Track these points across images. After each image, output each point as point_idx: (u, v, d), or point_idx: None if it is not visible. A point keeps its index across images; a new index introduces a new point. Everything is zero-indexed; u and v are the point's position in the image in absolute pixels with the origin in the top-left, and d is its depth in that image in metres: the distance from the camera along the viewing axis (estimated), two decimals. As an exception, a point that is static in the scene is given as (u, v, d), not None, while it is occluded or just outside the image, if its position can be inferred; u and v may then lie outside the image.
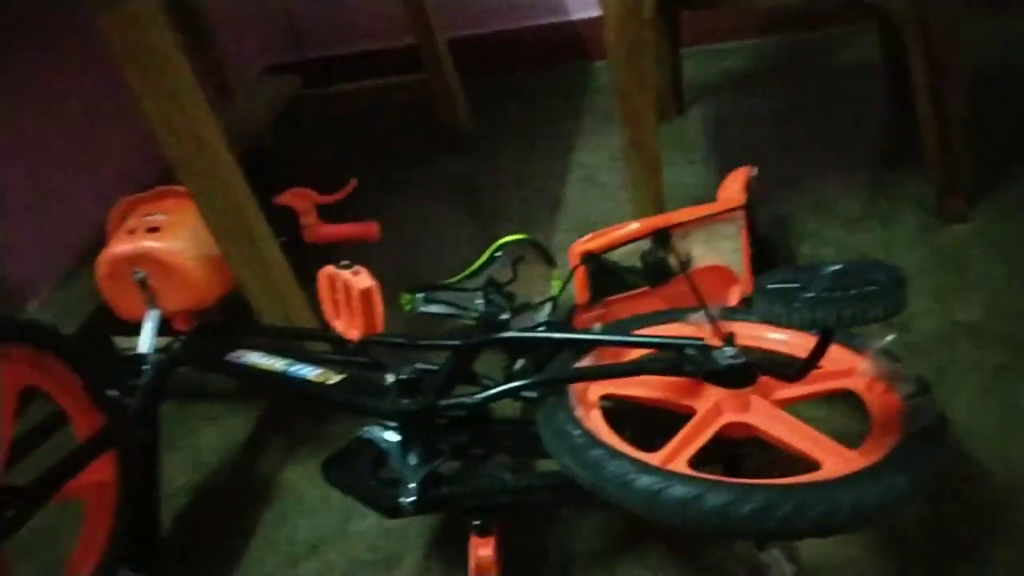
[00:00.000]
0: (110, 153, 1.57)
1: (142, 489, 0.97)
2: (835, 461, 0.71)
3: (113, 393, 0.93)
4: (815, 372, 0.83)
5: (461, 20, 1.97)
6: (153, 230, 1.05)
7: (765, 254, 1.13)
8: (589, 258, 1.05)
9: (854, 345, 0.85)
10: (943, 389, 0.95)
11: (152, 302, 1.05)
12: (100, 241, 1.11)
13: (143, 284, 1.04)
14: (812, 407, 0.95)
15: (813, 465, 0.72)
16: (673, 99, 1.68)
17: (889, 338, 0.83)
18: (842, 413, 0.93)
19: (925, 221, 1.21)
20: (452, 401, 0.85)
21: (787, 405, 0.80)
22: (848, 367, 0.83)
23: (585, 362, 0.91)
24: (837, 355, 0.85)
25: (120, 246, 1.04)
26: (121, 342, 1.15)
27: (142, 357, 0.99)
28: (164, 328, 1.07)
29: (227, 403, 1.24)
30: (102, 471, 0.92)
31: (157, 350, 1.01)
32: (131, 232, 1.06)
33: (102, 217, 1.14)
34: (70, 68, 1.49)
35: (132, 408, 0.93)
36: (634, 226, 1.06)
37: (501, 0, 1.98)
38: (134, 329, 1.07)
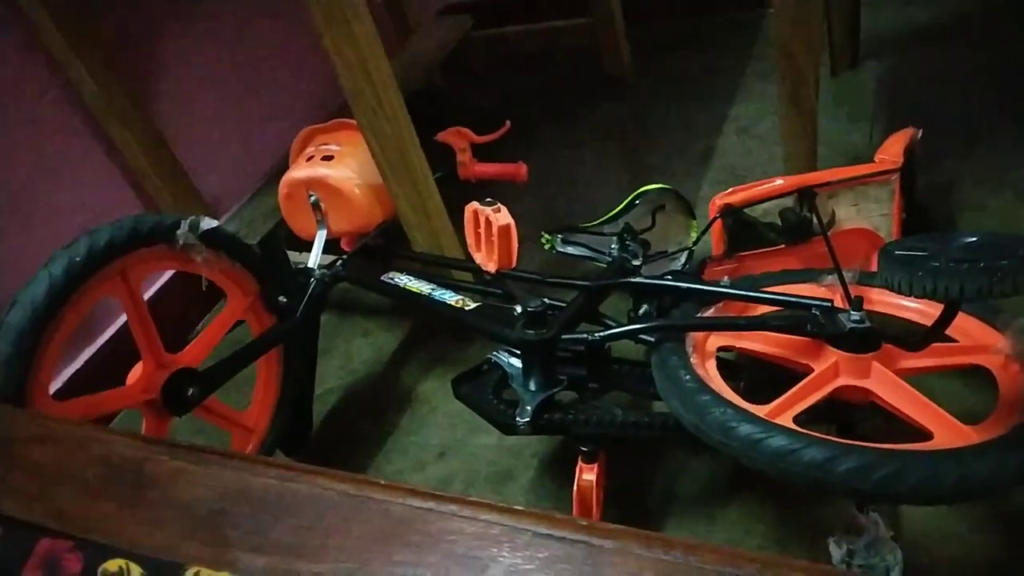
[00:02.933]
0: (300, 86, 1.73)
1: (300, 385, 1.12)
2: (947, 434, 0.71)
3: (283, 300, 1.07)
4: (948, 346, 0.81)
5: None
6: (328, 158, 1.16)
7: (920, 221, 1.08)
8: (729, 211, 1.05)
9: (995, 321, 0.81)
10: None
11: (322, 223, 1.17)
12: (284, 165, 1.25)
13: (316, 206, 1.16)
14: (945, 380, 0.92)
15: (926, 436, 0.72)
16: (848, 50, 1.59)
17: (1039, 317, 0.79)
18: (974, 390, 0.90)
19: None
20: (574, 336, 0.91)
21: (911, 375, 0.79)
22: (985, 343, 0.80)
23: (709, 313, 0.93)
24: (975, 330, 0.82)
25: (298, 171, 1.17)
26: (294, 256, 1.30)
27: (310, 271, 1.11)
28: (331, 247, 1.20)
29: (378, 319, 1.38)
30: (269, 367, 1.08)
31: (323, 266, 1.14)
32: (309, 159, 1.18)
33: (289, 144, 1.28)
34: (263, 8, 1.64)
35: (298, 313, 1.06)
36: (779, 182, 1.05)
37: (676, -57, 1.93)
38: (306, 246, 1.21)
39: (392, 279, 1.11)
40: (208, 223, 0.94)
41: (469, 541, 0.29)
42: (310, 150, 1.21)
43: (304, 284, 1.09)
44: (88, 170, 1.30)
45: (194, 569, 0.33)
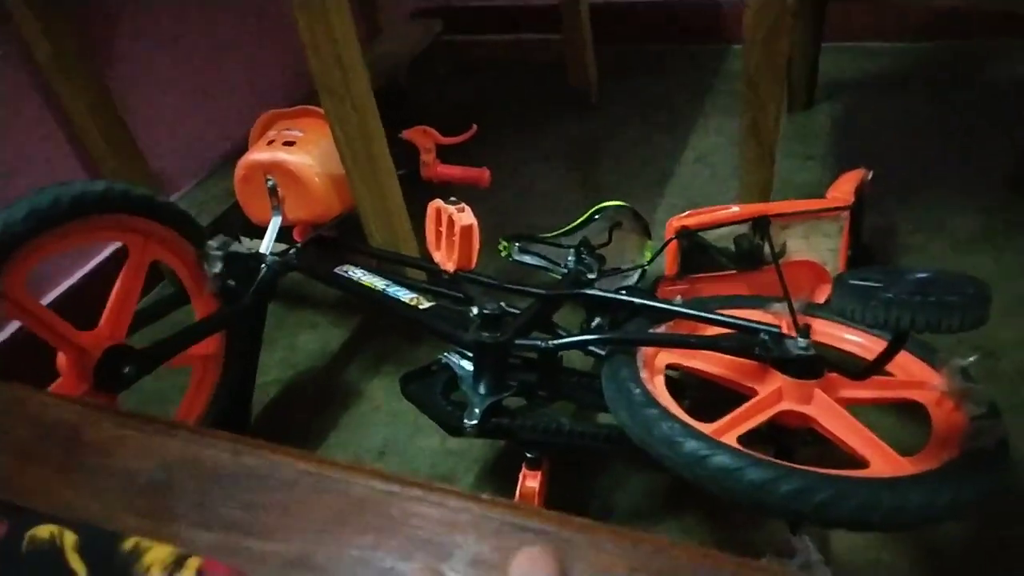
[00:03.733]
0: (264, 69, 1.69)
1: (242, 371, 1.09)
2: (883, 463, 0.73)
3: (232, 283, 1.04)
4: (886, 379, 0.84)
5: (605, -15, 1.97)
6: (289, 144, 1.14)
7: (864, 259, 1.12)
8: (684, 233, 1.07)
9: (931, 360, 0.84)
10: (1019, 421, 0.92)
11: (277, 209, 1.15)
12: (242, 148, 1.22)
13: (272, 191, 1.14)
14: (880, 413, 0.95)
15: (862, 464, 0.74)
16: (804, 91, 1.65)
17: (971, 359, 0.82)
18: (908, 424, 0.93)
19: (1042, 254, 1.16)
20: (527, 342, 0.90)
21: (851, 405, 0.82)
22: (921, 379, 0.83)
23: (660, 331, 0.94)
24: (912, 366, 0.85)
25: (258, 153, 1.15)
26: (247, 242, 1.27)
27: (261, 256, 1.09)
28: (283, 236, 1.17)
29: (326, 313, 1.35)
30: (209, 347, 1.04)
31: (274, 253, 1.11)
32: (270, 143, 1.16)
33: (248, 127, 1.25)
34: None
35: (246, 299, 1.04)
36: (735, 209, 1.08)
37: (649, -30, 1.97)
38: (259, 232, 1.18)
39: (346, 272, 1.09)
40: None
41: (434, 527, 0.28)
42: (271, 134, 1.18)
43: (254, 269, 1.06)
44: (32, 134, 1.25)
45: (133, 540, 0.31)
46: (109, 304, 0.90)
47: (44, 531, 0.33)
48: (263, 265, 1.07)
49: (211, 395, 1.05)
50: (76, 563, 0.31)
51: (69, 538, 0.32)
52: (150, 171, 1.36)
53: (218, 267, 1.00)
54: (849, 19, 1.77)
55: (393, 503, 0.30)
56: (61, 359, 0.87)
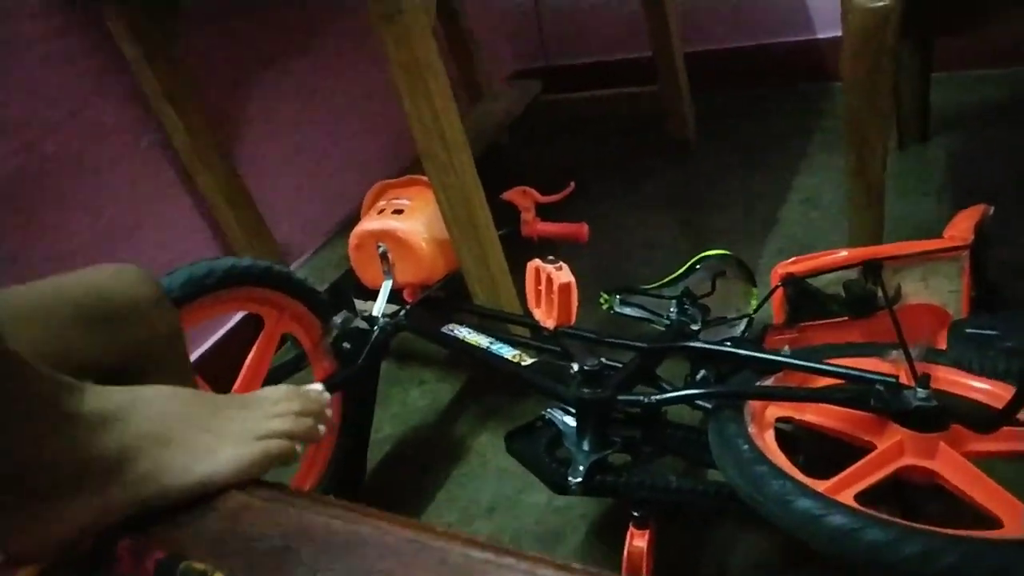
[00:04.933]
0: (375, 140, 1.80)
1: (358, 430, 1.14)
2: (1018, 523, 0.68)
3: (347, 346, 1.10)
4: (1018, 430, 0.78)
5: (701, 35, 1.98)
6: (398, 212, 1.21)
7: (992, 300, 1.06)
8: (791, 280, 1.04)
9: (1071, 409, 0.78)
10: None
11: (388, 273, 1.21)
12: (355, 217, 1.30)
13: (384, 257, 1.20)
14: (1015, 467, 0.88)
15: (994, 523, 0.69)
16: (917, 126, 1.58)
17: (1118, 408, 0.75)
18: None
19: None
20: (630, 397, 0.90)
21: (980, 458, 0.77)
22: (1059, 431, 0.77)
23: (768, 382, 0.92)
24: (1050, 416, 0.79)
25: (370, 223, 1.22)
26: (360, 304, 1.34)
27: (374, 319, 1.14)
28: (394, 298, 1.23)
29: (435, 371, 1.40)
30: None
31: (386, 315, 1.17)
32: (380, 212, 1.23)
33: (361, 197, 1.33)
34: (344, 67, 1.73)
35: (360, 361, 1.09)
36: (843, 254, 1.04)
37: (744, 15, 1.97)
38: (371, 295, 1.25)
39: (452, 331, 1.14)
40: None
41: (526, 595, 0.30)
42: (381, 203, 1.25)
43: (367, 332, 1.12)
44: (172, 212, 1.38)
45: None
46: (244, 371, 0.97)
47: (199, 565, 0.36)
48: (375, 327, 1.12)
49: (328, 458, 1.10)
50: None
51: (218, 576, 0.35)
52: (275, 243, 1.47)
53: (335, 334, 1.06)
54: (958, 48, 1.69)
55: (488, 571, 0.31)
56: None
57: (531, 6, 2.22)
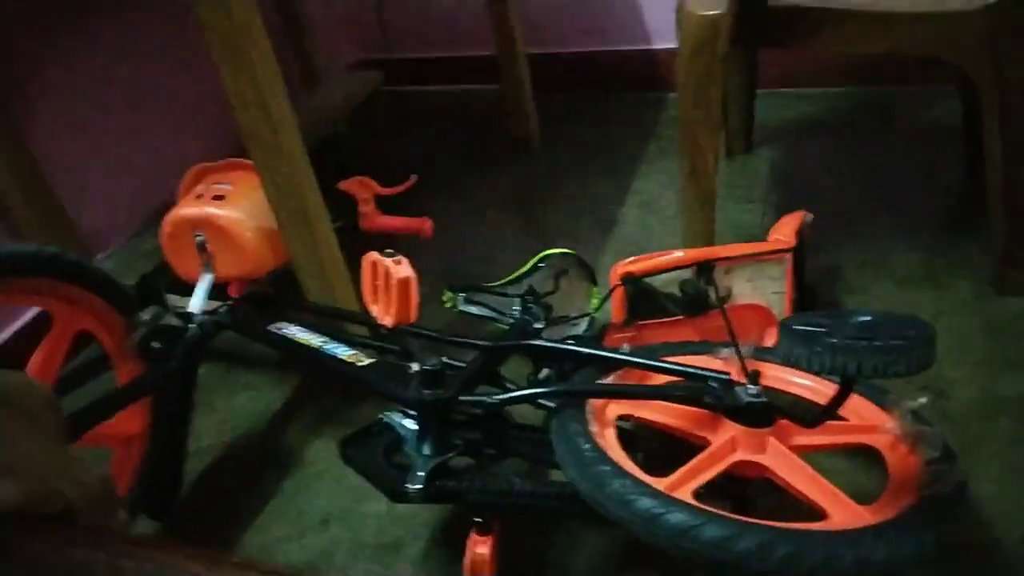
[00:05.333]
0: (193, 122, 1.65)
1: (170, 442, 1.02)
2: (842, 514, 0.70)
3: (157, 345, 0.98)
4: (839, 424, 0.82)
5: (543, 37, 2.00)
6: (218, 198, 1.10)
7: (808, 301, 1.12)
8: (629, 280, 1.05)
9: (884, 402, 0.83)
10: (972, 461, 0.92)
11: (208, 266, 1.10)
12: (171, 204, 1.17)
13: (202, 247, 1.09)
14: (834, 459, 0.93)
15: (820, 515, 0.72)
16: (742, 137, 1.67)
17: (921, 400, 0.81)
18: (864, 469, 0.92)
19: (980, 290, 1.18)
20: (471, 398, 0.87)
21: (804, 452, 0.80)
22: (873, 423, 0.82)
23: (609, 380, 0.92)
24: (864, 410, 0.83)
25: (186, 209, 1.10)
26: (177, 300, 1.21)
27: (190, 316, 1.03)
28: (216, 293, 1.12)
29: (267, 374, 1.29)
30: (133, 424, 0.97)
31: (205, 312, 1.05)
32: (198, 197, 1.11)
33: (177, 182, 1.20)
34: (159, 37, 1.57)
35: (173, 362, 0.98)
36: (678, 254, 1.07)
37: (586, 22, 2.00)
38: (188, 289, 1.13)
39: (280, 329, 1.04)
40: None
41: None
42: (200, 188, 1.14)
43: (181, 329, 1.00)
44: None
45: None
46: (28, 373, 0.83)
47: None
48: (191, 326, 1.01)
49: (134, 472, 0.98)
50: None
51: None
52: (75, 230, 1.30)
53: (142, 332, 0.94)
54: (782, 65, 1.82)
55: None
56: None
57: (373, -6, 2.14)
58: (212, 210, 1.08)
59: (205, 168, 1.17)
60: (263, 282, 1.15)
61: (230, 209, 1.08)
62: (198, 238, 1.08)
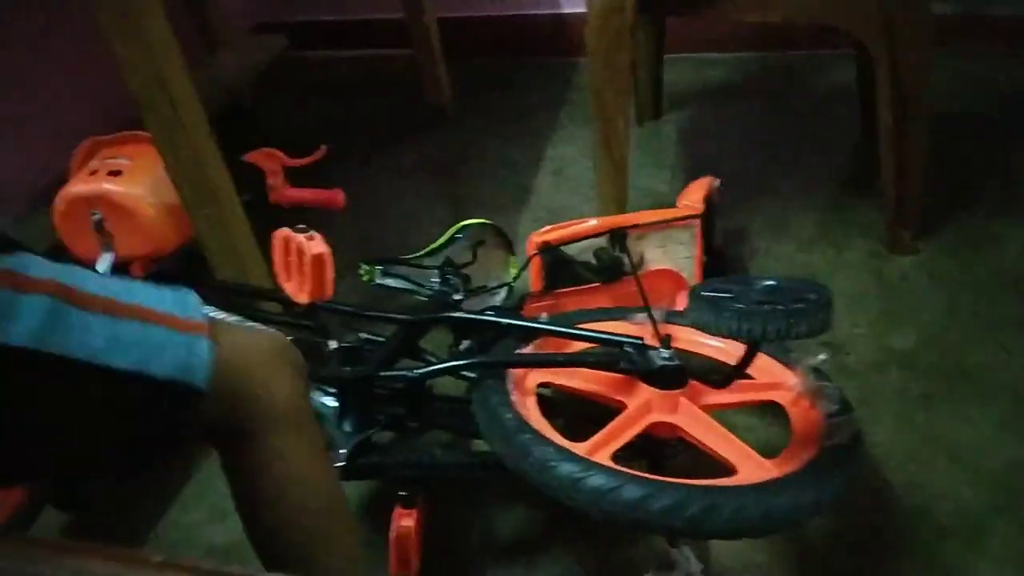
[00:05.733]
0: (82, 93, 1.55)
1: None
2: (750, 468, 0.74)
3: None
4: (747, 383, 0.86)
5: (452, 1, 1.96)
6: (115, 173, 1.04)
7: (717, 264, 1.16)
8: (546, 249, 1.06)
9: (786, 360, 0.87)
10: (867, 412, 0.98)
11: (107, 245, 1.04)
12: (62, 180, 1.10)
13: (99, 226, 1.03)
14: (745, 415, 0.98)
15: (730, 470, 0.75)
16: (651, 104, 1.70)
17: (821, 357, 0.86)
18: (771, 424, 0.97)
19: (874, 249, 1.25)
20: (393, 373, 0.86)
21: (715, 411, 0.83)
22: (777, 381, 0.86)
23: (528, 350, 0.93)
24: (769, 368, 0.87)
25: (79, 185, 1.04)
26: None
27: (90, 298, 0.98)
28: (117, 273, 1.07)
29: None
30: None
31: (106, 293, 1.00)
32: (92, 173, 1.05)
33: (67, 157, 1.13)
34: (50, 5, 1.46)
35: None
36: (593, 222, 1.08)
37: (497, -15, 1.98)
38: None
39: (189, 310, 1.00)
40: None
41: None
42: (94, 163, 1.07)
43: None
44: None
45: None
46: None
47: None
48: (92, 308, 0.96)
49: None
50: None
51: None
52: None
53: None
54: (687, 32, 1.85)
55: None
56: None
57: (273, -46, 2.05)
58: (109, 186, 1.02)
59: (97, 141, 1.11)
60: (168, 260, 1.10)
61: (129, 185, 1.03)
62: (95, 216, 1.02)
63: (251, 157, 1.19)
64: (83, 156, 1.11)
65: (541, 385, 0.89)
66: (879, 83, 1.14)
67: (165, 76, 0.85)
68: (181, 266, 1.11)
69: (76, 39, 1.51)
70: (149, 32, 0.82)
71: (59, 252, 1.15)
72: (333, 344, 0.86)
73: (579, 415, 0.90)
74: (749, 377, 0.86)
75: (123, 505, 1.02)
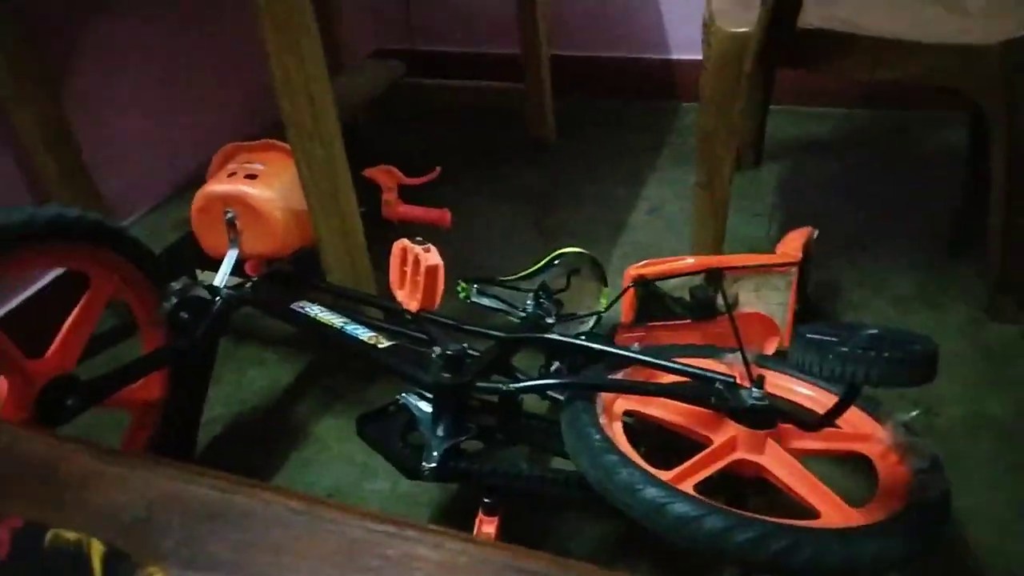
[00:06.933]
0: (224, 102, 1.68)
1: (187, 412, 1.05)
2: (833, 514, 0.75)
3: (184, 316, 1.01)
4: (835, 432, 0.87)
5: (567, 40, 2.03)
6: (251, 176, 1.13)
7: (808, 314, 1.17)
8: (641, 282, 1.09)
9: (877, 413, 0.87)
10: (956, 474, 0.96)
11: (235, 241, 1.13)
12: (199, 179, 1.21)
13: (231, 224, 1.12)
14: (828, 465, 0.98)
15: (812, 514, 0.76)
16: (753, 151, 1.72)
17: (913, 413, 0.86)
18: (855, 475, 0.96)
19: (974, 315, 1.23)
20: (487, 385, 0.91)
21: (801, 455, 0.84)
22: (867, 433, 0.86)
23: (617, 377, 0.96)
24: (859, 420, 0.88)
25: (219, 185, 1.13)
26: (199, 274, 1.24)
27: (216, 289, 1.06)
28: (238, 270, 1.15)
29: (276, 350, 1.32)
30: (152, 390, 1.01)
31: (229, 287, 1.09)
32: (231, 175, 1.14)
33: (205, 159, 1.23)
34: (201, 9, 1.60)
35: (198, 333, 1.01)
36: (689, 260, 1.11)
37: (609, 28, 2.04)
38: (208, 264, 1.16)
39: (303, 308, 1.08)
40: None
41: (433, 569, 0.28)
42: (232, 166, 1.17)
43: (209, 302, 1.04)
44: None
45: (149, 569, 0.30)
46: (62, 334, 0.87)
47: (70, 535, 0.31)
48: (217, 298, 1.05)
49: (149, 438, 1.01)
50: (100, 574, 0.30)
51: (97, 547, 0.30)
52: (99, 196, 1.32)
53: (173, 302, 0.98)
54: (796, 84, 1.86)
55: (392, 544, 0.29)
56: (1, 384, 0.83)
57: (399, -15, 2.17)
58: (245, 188, 1.11)
59: (238, 147, 1.20)
60: (285, 261, 1.18)
61: (262, 188, 1.11)
62: (228, 214, 1.11)
63: (370, 173, 1.28)
64: (223, 158, 1.21)
65: (628, 413, 0.92)
66: (993, 146, 1.13)
67: (313, 95, 0.93)
68: (297, 267, 1.19)
69: (225, 51, 1.64)
70: (304, 49, 0.91)
71: (187, 242, 1.26)
72: (436, 351, 0.91)
73: (661, 447, 0.92)
74: (837, 427, 0.86)
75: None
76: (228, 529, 0.31)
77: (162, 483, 0.34)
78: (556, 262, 1.18)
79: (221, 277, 1.09)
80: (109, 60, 1.40)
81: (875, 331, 0.74)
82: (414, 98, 2.11)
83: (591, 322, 1.21)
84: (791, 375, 0.95)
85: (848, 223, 1.50)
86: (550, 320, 1.12)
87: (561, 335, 1.03)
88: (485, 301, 1.19)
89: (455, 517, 1.00)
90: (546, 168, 1.83)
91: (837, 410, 0.78)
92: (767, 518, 0.70)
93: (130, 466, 0.35)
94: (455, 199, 1.64)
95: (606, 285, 1.24)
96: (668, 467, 0.79)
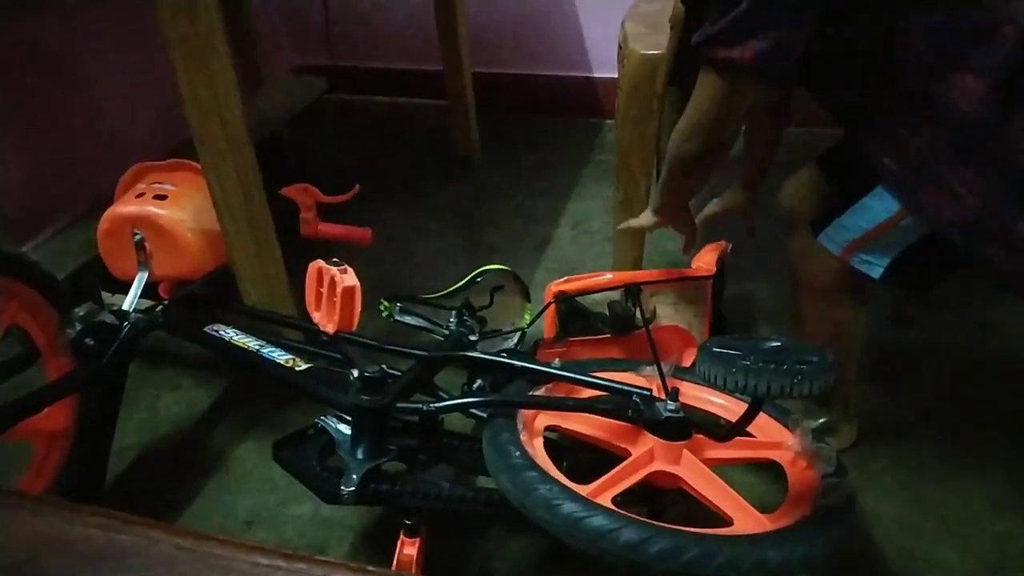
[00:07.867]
0: (131, 121, 1.63)
1: (95, 441, 1.01)
2: (745, 521, 0.77)
3: (89, 342, 0.97)
4: (748, 440, 0.89)
5: (490, 57, 2.05)
6: (160, 197, 1.10)
7: (722, 325, 1.20)
8: (562, 298, 1.11)
9: (787, 421, 0.91)
10: (862, 477, 1.01)
11: (144, 264, 1.09)
12: (106, 199, 1.16)
13: (140, 246, 1.08)
14: (744, 472, 1.01)
15: (726, 522, 0.78)
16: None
17: (821, 420, 0.89)
18: (769, 482, 0.99)
19: (877, 320, 1.28)
20: (407, 405, 0.90)
21: (715, 465, 0.86)
22: (777, 440, 0.89)
23: (538, 393, 0.97)
24: (770, 428, 0.91)
25: (126, 206, 1.10)
26: (106, 297, 1.20)
27: (124, 314, 1.03)
28: (149, 292, 1.12)
29: (192, 375, 1.28)
30: (58, 420, 0.96)
31: (139, 311, 1.05)
32: (140, 196, 1.11)
33: (113, 178, 1.19)
34: (108, 26, 1.55)
35: (105, 359, 0.97)
36: (608, 276, 1.13)
37: (530, 46, 2.07)
38: (122, 288, 1.12)
39: (216, 331, 1.05)
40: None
41: (321, 602, 0.28)
42: (141, 186, 1.13)
43: (116, 327, 1.00)
44: None
45: None
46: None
47: None
48: (125, 323, 1.01)
49: (58, 467, 0.97)
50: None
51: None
52: (2, 218, 1.26)
53: (76, 328, 0.94)
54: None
55: (279, 580, 0.29)
56: None
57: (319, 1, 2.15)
58: (154, 209, 1.08)
59: (147, 167, 1.17)
60: (199, 284, 1.15)
61: (173, 209, 1.08)
62: (137, 236, 1.08)
63: (288, 191, 1.25)
64: (131, 179, 1.17)
65: (548, 428, 0.93)
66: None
67: (224, 115, 0.91)
68: (211, 289, 1.16)
69: (128, 69, 1.59)
70: (213, 69, 0.89)
71: (94, 266, 1.21)
72: (355, 373, 0.90)
73: (582, 460, 0.93)
74: (750, 435, 0.89)
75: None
76: (110, 570, 0.30)
77: (44, 524, 0.32)
78: (479, 279, 1.18)
79: (130, 301, 1.05)
80: (9, 72, 1.34)
81: (778, 343, 0.76)
82: (338, 115, 2.09)
83: (515, 338, 1.21)
84: (706, 386, 0.97)
85: (762, 237, 1.55)
86: (473, 337, 1.12)
87: (483, 352, 1.04)
88: (408, 319, 1.19)
89: (379, 539, 0.98)
90: (470, 185, 1.83)
91: (744, 421, 0.80)
92: (681, 528, 0.72)
93: (11, 506, 0.33)
94: (379, 217, 1.63)
95: (529, 301, 1.25)
96: (589, 481, 0.80)
